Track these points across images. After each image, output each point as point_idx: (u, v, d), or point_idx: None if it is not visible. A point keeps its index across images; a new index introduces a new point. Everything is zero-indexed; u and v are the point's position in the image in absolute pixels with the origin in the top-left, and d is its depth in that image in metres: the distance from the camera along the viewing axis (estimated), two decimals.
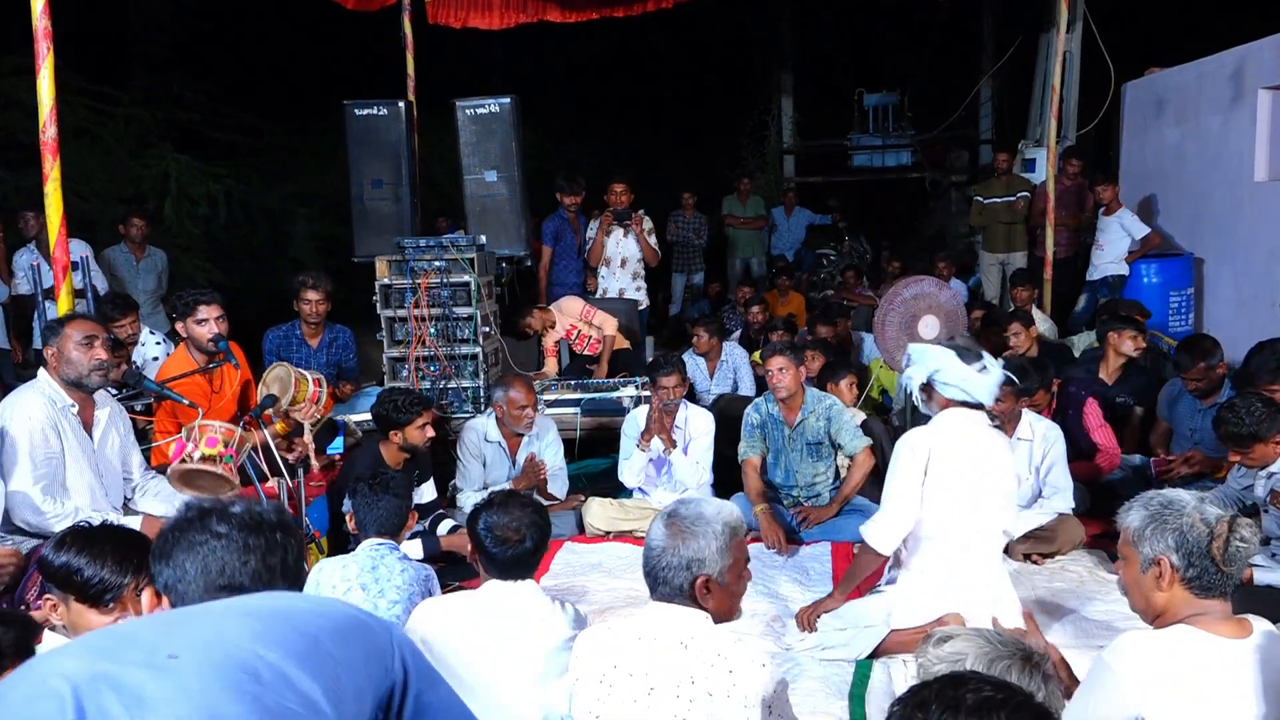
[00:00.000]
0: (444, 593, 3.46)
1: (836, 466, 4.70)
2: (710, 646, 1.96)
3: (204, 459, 3.07)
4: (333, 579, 2.87)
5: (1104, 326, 5.41)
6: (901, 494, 3.14)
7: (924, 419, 5.72)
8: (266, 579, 1.35)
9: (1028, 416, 4.21)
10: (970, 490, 3.14)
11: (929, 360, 3.19)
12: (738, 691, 1.91)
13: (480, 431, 4.67)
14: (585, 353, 6.30)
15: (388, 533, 3.05)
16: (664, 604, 2.03)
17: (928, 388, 3.21)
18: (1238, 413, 3.45)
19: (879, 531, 3.18)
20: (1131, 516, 1.99)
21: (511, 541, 2.47)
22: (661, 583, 2.02)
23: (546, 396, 5.34)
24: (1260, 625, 1.92)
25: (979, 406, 3.18)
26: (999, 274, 8.39)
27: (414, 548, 3.95)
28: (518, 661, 2.41)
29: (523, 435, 4.64)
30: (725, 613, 2.06)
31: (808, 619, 3.39)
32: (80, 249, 5.87)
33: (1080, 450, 4.53)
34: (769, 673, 1.97)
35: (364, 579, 2.83)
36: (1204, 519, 1.90)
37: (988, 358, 3.21)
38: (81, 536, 2.17)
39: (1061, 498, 4.11)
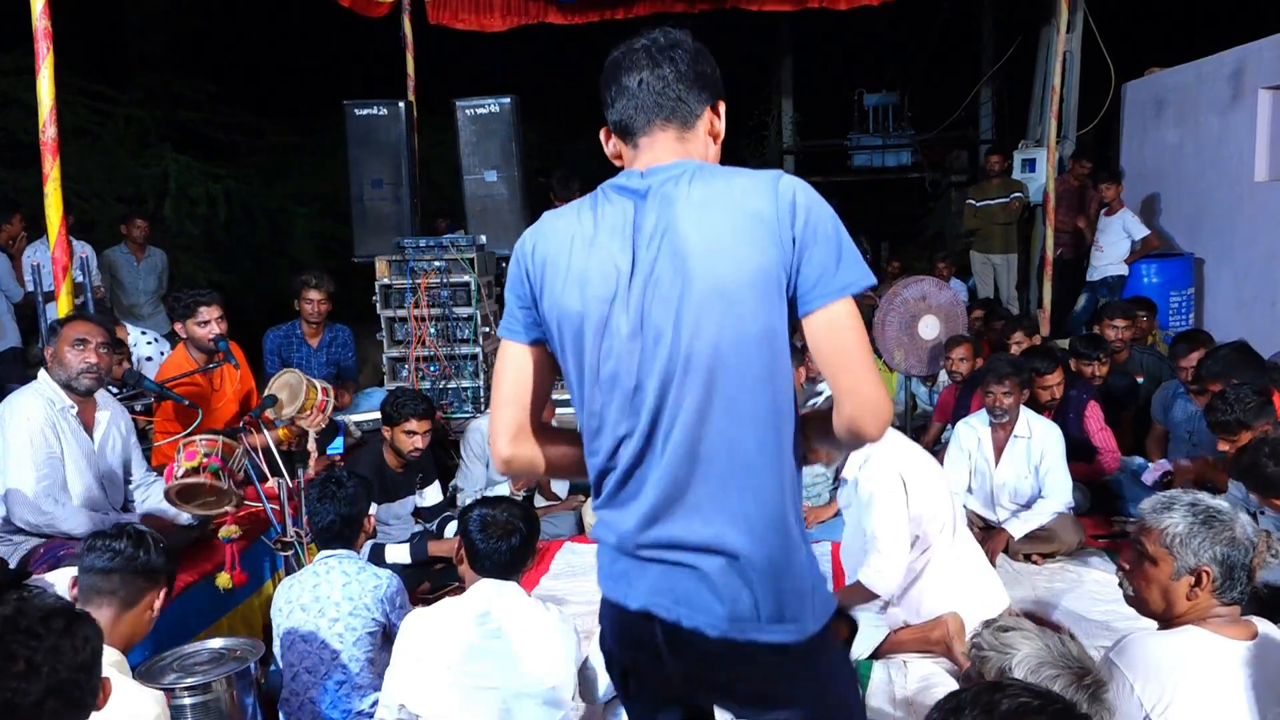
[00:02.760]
0: (440, 594, 3.46)
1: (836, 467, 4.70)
2: None
3: (187, 473, 3.06)
4: (280, 600, 2.86)
5: (1069, 354, 5.16)
6: (892, 533, 3.12)
7: (921, 419, 5.75)
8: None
9: (1025, 415, 4.20)
10: (938, 492, 3.22)
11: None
12: None
13: (485, 432, 4.62)
14: None
15: (335, 543, 2.94)
16: None
17: None
18: (1228, 400, 3.52)
19: (880, 577, 3.15)
20: (1173, 519, 1.91)
21: (501, 534, 2.47)
22: None
23: None
24: (1264, 626, 1.92)
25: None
26: (991, 274, 8.40)
27: (400, 552, 3.92)
28: (519, 659, 2.41)
29: None
30: None
31: None
32: (81, 250, 5.87)
33: (1081, 451, 4.53)
34: None
35: (304, 599, 2.81)
36: (1246, 533, 1.88)
37: None
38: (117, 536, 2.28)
39: (1060, 498, 4.10)
